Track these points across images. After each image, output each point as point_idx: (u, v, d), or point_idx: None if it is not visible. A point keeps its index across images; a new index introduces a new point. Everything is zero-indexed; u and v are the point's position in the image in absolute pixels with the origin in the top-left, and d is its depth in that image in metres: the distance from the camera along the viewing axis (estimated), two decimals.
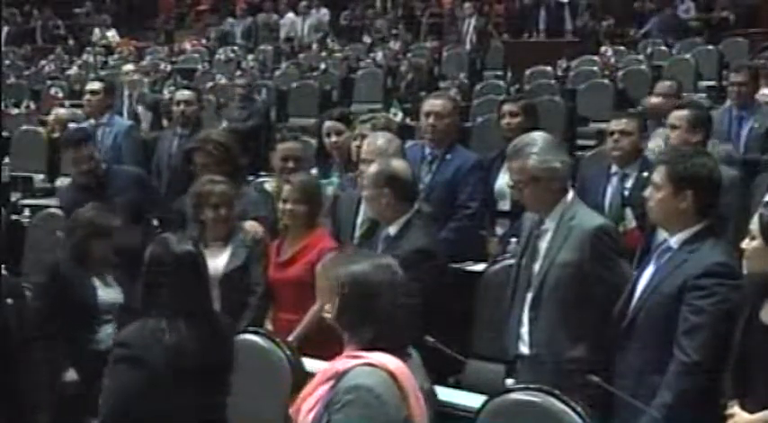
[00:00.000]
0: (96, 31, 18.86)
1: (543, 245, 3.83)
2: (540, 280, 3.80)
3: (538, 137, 3.93)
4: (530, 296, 3.85)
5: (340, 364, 2.65)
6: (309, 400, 2.67)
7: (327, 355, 4.06)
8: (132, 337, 3.17)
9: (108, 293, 4.54)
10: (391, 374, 2.58)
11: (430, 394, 2.79)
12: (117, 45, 17.73)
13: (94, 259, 4.53)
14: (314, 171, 5.65)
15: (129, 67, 10.90)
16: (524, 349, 3.84)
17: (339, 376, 2.61)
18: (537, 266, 3.83)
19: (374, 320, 2.64)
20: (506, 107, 5.76)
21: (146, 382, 3.07)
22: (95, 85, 7.04)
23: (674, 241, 3.49)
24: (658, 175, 3.49)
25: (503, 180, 5.50)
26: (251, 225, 4.77)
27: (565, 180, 3.86)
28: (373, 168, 4.35)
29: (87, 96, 7.05)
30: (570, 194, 3.87)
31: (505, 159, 5.49)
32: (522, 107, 5.73)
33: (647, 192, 3.56)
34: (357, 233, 4.84)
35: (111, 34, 18.51)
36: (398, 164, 4.41)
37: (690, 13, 15.04)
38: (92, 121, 6.94)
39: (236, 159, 5.27)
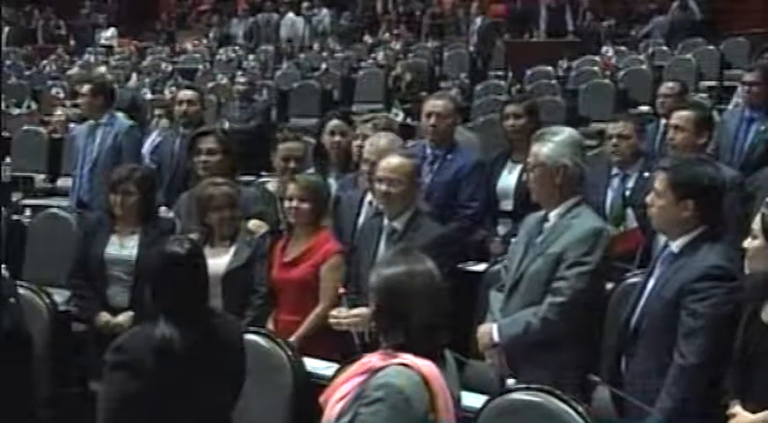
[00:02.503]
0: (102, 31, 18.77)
1: (540, 240, 3.88)
2: (523, 269, 3.87)
3: (566, 131, 4.03)
4: (509, 284, 3.91)
5: (375, 359, 2.67)
6: (341, 390, 2.69)
7: (329, 357, 4.10)
8: (127, 341, 3.16)
9: (122, 250, 4.72)
10: (423, 377, 2.59)
11: (456, 400, 2.79)
12: (119, 45, 17.73)
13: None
14: (311, 171, 5.64)
15: (102, 69, 10.93)
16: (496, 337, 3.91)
17: (373, 372, 2.63)
18: (528, 259, 3.88)
19: (405, 327, 2.64)
20: (510, 108, 5.74)
21: (141, 386, 3.06)
22: (83, 88, 7.04)
23: (676, 246, 3.50)
24: (659, 183, 3.49)
25: (505, 180, 5.52)
26: (254, 224, 4.77)
27: (572, 180, 3.90)
28: (402, 161, 4.38)
29: (78, 99, 7.09)
30: (578, 197, 3.92)
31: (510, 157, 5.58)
32: (526, 108, 5.72)
33: (649, 198, 3.56)
34: (358, 234, 4.84)
35: (110, 34, 18.44)
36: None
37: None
38: (91, 121, 6.93)
39: (235, 157, 5.28)
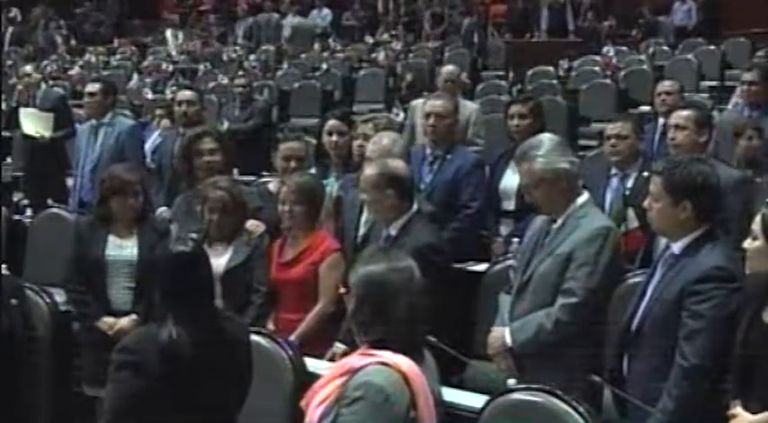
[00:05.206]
0: (168, 34, 18.33)
1: (548, 240, 3.88)
2: (531, 270, 3.86)
3: (545, 138, 4.00)
4: (516, 286, 3.90)
5: (354, 360, 2.68)
6: (321, 393, 2.70)
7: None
8: (133, 342, 3.16)
9: (122, 251, 4.67)
10: (403, 375, 2.61)
11: (438, 398, 2.81)
12: (119, 45, 17.61)
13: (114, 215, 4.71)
14: (312, 171, 5.64)
15: (27, 68, 10.93)
16: (509, 342, 3.91)
17: (352, 372, 2.64)
18: (536, 260, 3.87)
19: (385, 322, 2.67)
20: (515, 108, 5.75)
21: (146, 386, 3.06)
22: (93, 87, 7.02)
23: (677, 248, 3.50)
24: (655, 187, 3.49)
25: (508, 180, 5.52)
26: (251, 224, 4.77)
27: (574, 180, 3.91)
28: (371, 171, 4.35)
29: (86, 98, 7.06)
30: (585, 197, 3.93)
31: (514, 161, 5.55)
32: (531, 109, 5.72)
33: (647, 202, 3.56)
34: (361, 233, 4.85)
35: (180, 37, 18.06)
36: (397, 164, 4.42)
37: (692, 14, 15.02)
38: (93, 121, 6.93)
39: (230, 156, 5.26)
